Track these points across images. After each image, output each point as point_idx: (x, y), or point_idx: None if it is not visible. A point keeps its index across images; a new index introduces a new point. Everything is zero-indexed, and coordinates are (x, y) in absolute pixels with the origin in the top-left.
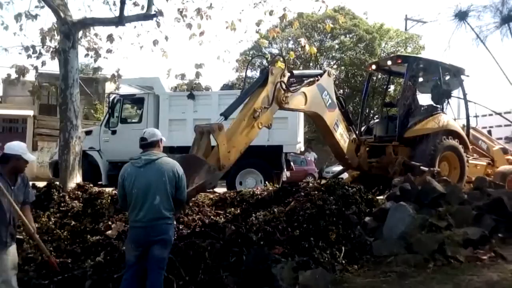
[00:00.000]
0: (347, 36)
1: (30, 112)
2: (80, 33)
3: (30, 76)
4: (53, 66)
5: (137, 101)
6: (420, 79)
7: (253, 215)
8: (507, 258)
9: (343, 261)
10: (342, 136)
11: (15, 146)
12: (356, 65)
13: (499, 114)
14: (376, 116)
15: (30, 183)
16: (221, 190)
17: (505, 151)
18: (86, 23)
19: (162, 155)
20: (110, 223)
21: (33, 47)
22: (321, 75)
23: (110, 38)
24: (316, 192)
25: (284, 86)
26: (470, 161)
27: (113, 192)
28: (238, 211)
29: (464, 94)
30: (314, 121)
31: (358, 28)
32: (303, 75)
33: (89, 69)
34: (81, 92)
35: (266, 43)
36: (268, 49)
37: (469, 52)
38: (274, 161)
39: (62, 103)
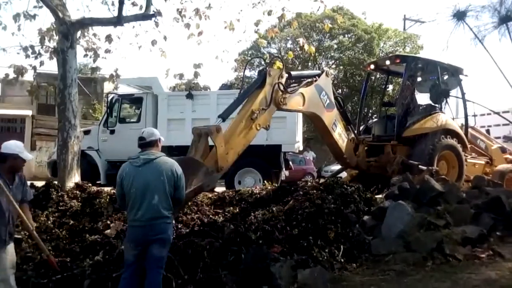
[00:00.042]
0: (346, 36)
1: (29, 112)
2: (79, 33)
3: (29, 76)
4: (51, 66)
5: (136, 101)
6: (419, 79)
7: (252, 214)
8: (505, 256)
9: (342, 260)
10: (341, 135)
11: (12, 145)
12: (355, 65)
13: (497, 113)
14: (375, 115)
15: (28, 182)
16: (220, 189)
17: (503, 150)
18: (85, 23)
19: (160, 154)
20: (108, 222)
21: (32, 47)
22: (319, 75)
23: (108, 38)
24: (315, 191)
25: (282, 87)
26: (468, 160)
27: (112, 191)
28: (237, 210)
29: (463, 94)
30: (313, 121)
31: (356, 28)
32: (301, 76)
33: (87, 69)
34: (79, 92)
35: (264, 43)
36: (266, 49)
37: (467, 52)
38: (273, 160)
39: (60, 103)
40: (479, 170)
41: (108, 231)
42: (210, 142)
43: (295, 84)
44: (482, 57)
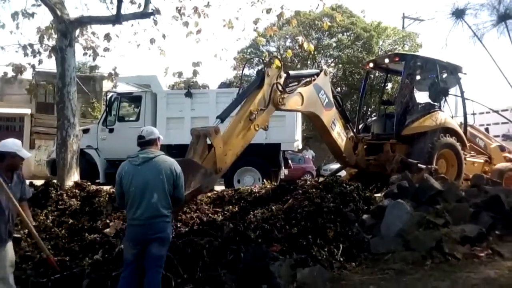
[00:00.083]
0: (345, 34)
1: (28, 111)
2: (77, 32)
3: (27, 75)
4: (50, 65)
5: (135, 99)
6: (418, 77)
7: (251, 213)
8: (504, 255)
9: (341, 259)
10: (340, 134)
11: (10, 144)
12: (354, 63)
13: (496, 111)
14: (374, 114)
15: (28, 181)
16: (219, 188)
17: (502, 148)
18: (83, 22)
19: (159, 153)
20: (108, 221)
21: (31, 45)
22: (317, 74)
23: (107, 37)
24: (314, 190)
25: (280, 88)
26: (467, 159)
27: (111, 190)
28: (236, 209)
29: (462, 92)
30: (311, 121)
31: (355, 26)
32: (299, 75)
33: (86, 67)
34: (78, 90)
35: (263, 41)
36: (265, 47)
37: (466, 50)
38: (272, 159)
39: (59, 101)
40: (478, 168)
41: (107, 230)
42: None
43: (293, 84)
44: (481, 55)
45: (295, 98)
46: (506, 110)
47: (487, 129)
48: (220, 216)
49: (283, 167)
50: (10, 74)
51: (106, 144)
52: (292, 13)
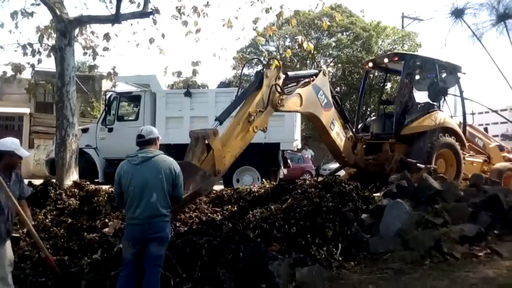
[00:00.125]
0: (344, 33)
1: (27, 110)
2: (77, 31)
3: (26, 74)
4: (49, 64)
5: (134, 99)
6: (417, 77)
7: (250, 212)
8: (502, 254)
9: (340, 258)
10: (339, 134)
11: (8, 142)
12: (353, 63)
13: (495, 111)
14: (373, 113)
15: (26, 180)
16: (218, 187)
17: (501, 148)
18: (82, 21)
19: (159, 152)
20: (107, 220)
21: (31, 45)
22: (316, 74)
23: (106, 36)
24: (313, 190)
25: (279, 89)
26: (466, 158)
27: (110, 189)
28: (235, 208)
29: (461, 92)
30: (311, 121)
31: (355, 26)
32: (298, 76)
33: (85, 66)
34: (77, 90)
35: (263, 40)
36: (265, 46)
37: (466, 49)
38: (271, 159)
39: (58, 100)
40: (477, 168)
41: (106, 229)
42: None
43: (292, 85)
44: (480, 55)
45: (294, 99)
46: (505, 110)
47: (486, 129)
48: (219, 216)
49: (282, 167)
50: (9, 73)
51: (105, 144)
52: (292, 12)
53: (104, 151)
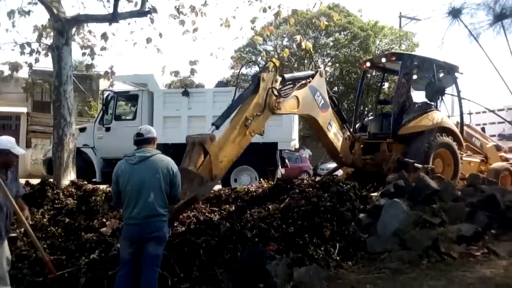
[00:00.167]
0: (342, 33)
1: (24, 109)
2: (74, 30)
3: (24, 73)
4: (46, 63)
5: (131, 98)
6: (414, 77)
7: (248, 212)
8: (500, 254)
9: (338, 258)
10: (336, 135)
11: (3, 141)
12: (351, 63)
13: (493, 111)
14: (371, 113)
15: (24, 180)
16: (216, 187)
17: (498, 148)
18: (80, 20)
19: (156, 152)
20: (104, 220)
21: (29, 44)
22: (313, 76)
23: (104, 36)
24: (311, 189)
25: (276, 92)
26: (463, 158)
27: (107, 189)
28: (233, 208)
29: (458, 91)
30: (308, 122)
31: (352, 26)
32: (295, 78)
33: (83, 66)
34: (75, 89)
35: (260, 40)
36: (262, 46)
37: (463, 49)
38: (269, 158)
39: (55, 100)
40: (474, 168)
41: (104, 229)
42: None
43: (289, 86)
44: (477, 55)
45: (291, 101)
46: (502, 109)
47: (483, 129)
48: (217, 215)
49: (280, 166)
50: (7, 72)
51: (103, 143)
52: (289, 12)
53: (101, 150)
